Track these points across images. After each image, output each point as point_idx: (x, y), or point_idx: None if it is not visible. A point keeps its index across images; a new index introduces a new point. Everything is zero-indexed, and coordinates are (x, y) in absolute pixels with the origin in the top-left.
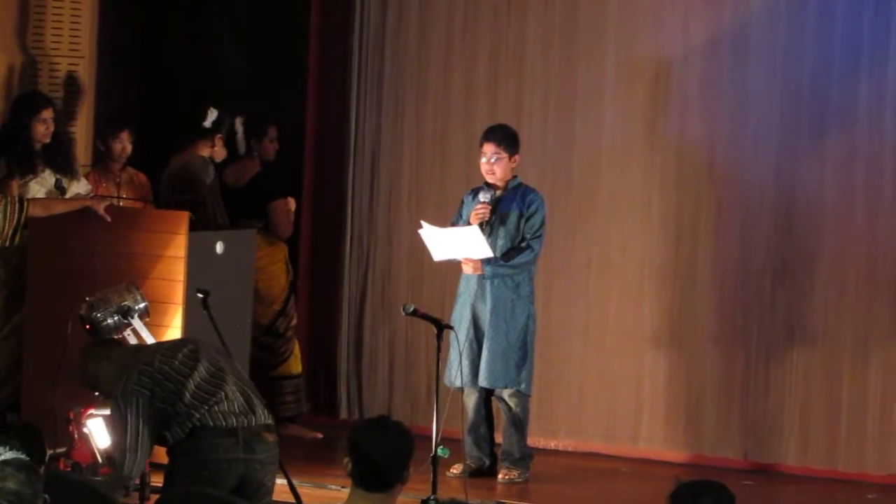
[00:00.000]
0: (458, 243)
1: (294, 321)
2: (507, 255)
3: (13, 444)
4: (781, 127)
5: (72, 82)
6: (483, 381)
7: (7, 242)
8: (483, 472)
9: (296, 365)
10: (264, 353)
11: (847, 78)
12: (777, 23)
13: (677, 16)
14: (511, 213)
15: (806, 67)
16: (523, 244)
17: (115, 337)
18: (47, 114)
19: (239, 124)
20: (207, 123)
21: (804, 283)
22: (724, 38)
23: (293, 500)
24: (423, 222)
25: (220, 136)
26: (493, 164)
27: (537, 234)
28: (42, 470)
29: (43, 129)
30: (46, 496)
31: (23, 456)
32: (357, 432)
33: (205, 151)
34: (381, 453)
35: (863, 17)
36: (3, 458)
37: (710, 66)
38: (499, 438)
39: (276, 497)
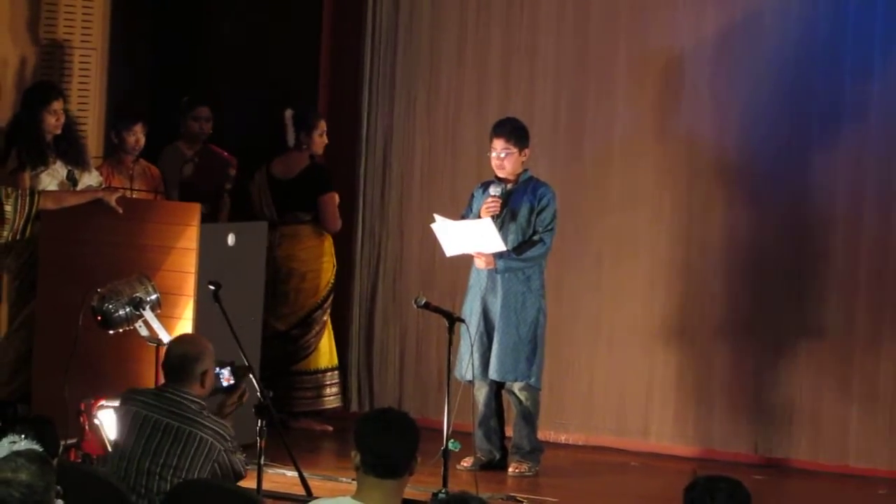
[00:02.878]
0: (471, 237)
1: (326, 316)
2: (520, 248)
3: (26, 436)
4: (792, 121)
5: (84, 74)
6: (493, 375)
7: (18, 235)
8: (493, 466)
9: (315, 360)
10: (291, 346)
11: (859, 74)
12: (789, 18)
13: (690, 9)
14: (522, 206)
15: (818, 62)
16: (535, 237)
17: (127, 329)
18: (58, 105)
19: (288, 117)
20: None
21: (815, 278)
22: (737, 32)
23: (304, 493)
24: (435, 215)
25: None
26: (503, 160)
27: (549, 227)
28: (54, 461)
29: (53, 120)
30: (59, 487)
31: (36, 447)
32: (363, 424)
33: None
34: (388, 445)
35: (875, 12)
36: (15, 449)
37: (721, 60)
38: (509, 432)
39: (287, 489)
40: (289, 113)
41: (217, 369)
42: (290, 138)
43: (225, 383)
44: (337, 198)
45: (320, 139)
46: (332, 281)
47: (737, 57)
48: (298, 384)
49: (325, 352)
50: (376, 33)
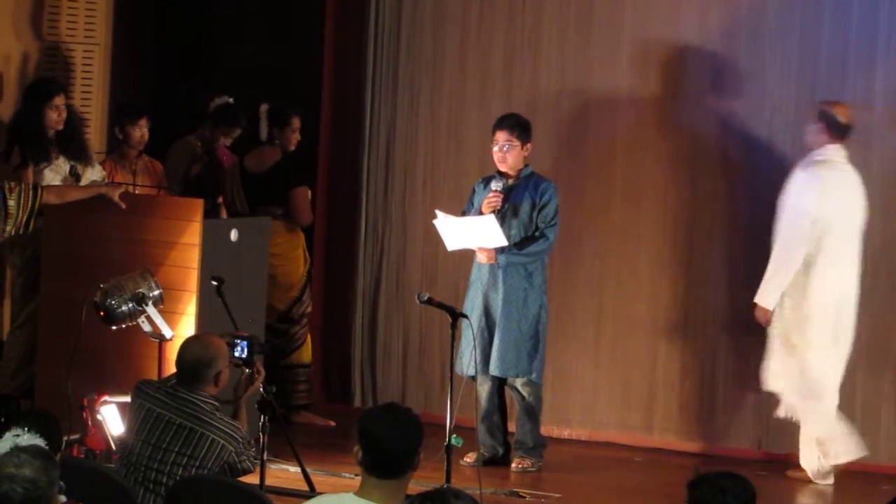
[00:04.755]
0: (473, 232)
1: (308, 308)
2: (522, 243)
3: (30, 431)
4: (796, 114)
5: (87, 70)
6: (494, 370)
7: (21, 230)
8: (496, 461)
9: (307, 353)
10: (279, 339)
11: (862, 66)
12: (793, 10)
13: (693, 1)
14: (523, 202)
15: (822, 55)
16: (538, 233)
17: (130, 324)
18: (59, 100)
19: (263, 111)
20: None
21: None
22: (740, 25)
23: (307, 488)
24: (437, 211)
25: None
26: (505, 152)
27: (552, 222)
28: (58, 457)
29: (55, 115)
30: (62, 483)
31: (39, 442)
32: (366, 420)
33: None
34: (391, 440)
35: (879, 4)
36: (19, 444)
37: (725, 53)
38: (512, 427)
39: (289, 485)
40: (264, 107)
41: (235, 340)
42: (263, 132)
43: (237, 354)
44: (308, 192)
45: (293, 135)
46: (304, 275)
47: (740, 49)
48: (293, 378)
49: (310, 346)
50: (379, 27)
